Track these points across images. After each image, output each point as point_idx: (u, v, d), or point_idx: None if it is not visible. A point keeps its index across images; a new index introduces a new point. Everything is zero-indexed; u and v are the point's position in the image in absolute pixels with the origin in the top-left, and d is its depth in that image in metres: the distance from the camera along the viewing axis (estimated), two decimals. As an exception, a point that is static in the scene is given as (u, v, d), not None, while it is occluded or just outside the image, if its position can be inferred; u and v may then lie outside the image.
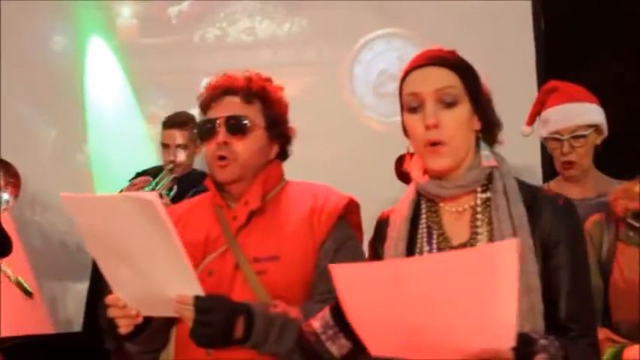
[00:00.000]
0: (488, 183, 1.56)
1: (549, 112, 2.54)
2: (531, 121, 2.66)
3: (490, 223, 1.52)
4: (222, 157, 1.88)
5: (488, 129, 1.60)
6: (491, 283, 1.19)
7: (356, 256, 1.81)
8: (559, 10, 3.70)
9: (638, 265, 1.89)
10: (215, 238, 1.89)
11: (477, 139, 1.59)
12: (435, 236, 1.58)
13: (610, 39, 3.67)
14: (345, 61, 3.96)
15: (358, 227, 1.96)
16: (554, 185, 2.60)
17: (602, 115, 2.53)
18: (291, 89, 4.12)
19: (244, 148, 1.89)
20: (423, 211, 1.61)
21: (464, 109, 1.54)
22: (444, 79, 1.54)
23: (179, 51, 4.24)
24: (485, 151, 1.57)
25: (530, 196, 1.55)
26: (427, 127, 1.51)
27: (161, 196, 3.17)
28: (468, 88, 1.55)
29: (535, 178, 3.29)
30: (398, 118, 1.62)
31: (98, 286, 3.06)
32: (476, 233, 1.54)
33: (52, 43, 4.36)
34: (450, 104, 1.52)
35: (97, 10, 4.33)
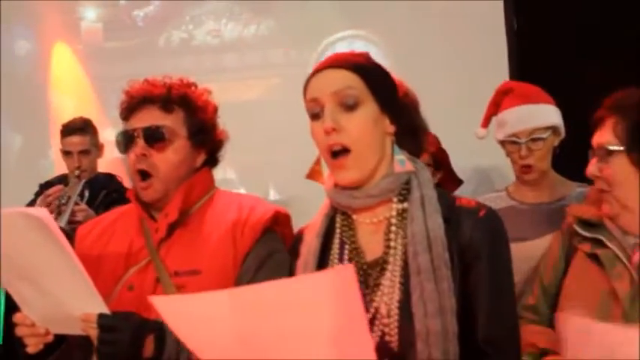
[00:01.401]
0: (407, 193, 1.46)
1: (506, 114, 2.45)
2: (486, 124, 2.57)
3: (406, 236, 1.41)
4: (141, 172, 1.81)
5: (409, 133, 1.49)
6: (333, 313, 1.05)
7: (282, 271, 1.71)
8: (532, 9, 3.63)
9: (586, 273, 1.78)
10: (137, 250, 1.82)
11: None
12: (346, 251, 1.48)
13: (583, 39, 3.60)
14: (311, 62, 3.89)
15: (290, 239, 1.88)
16: (512, 189, 2.52)
17: (560, 115, 2.45)
18: (258, 91, 4.11)
19: (164, 160, 1.82)
20: (338, 224, 1.52)
21: (367, 110, 1.42)
22: (343, 80, 1.42)
23: (144, 54, 4.17)
24: (399, 156, 1.45)
25: (450, 207, 1.44)
26: (326, 132, 1.41)
27: (77, 203, 3.17)
28: (372, 89, 1.43)
29: (508, 179, 3.21)
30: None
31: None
32: (389, 247, 1.43)
33: (16, 47, 4.32)
34: (351, 107, 1.41)
35: (62, 14, 4.28)
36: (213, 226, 1.81)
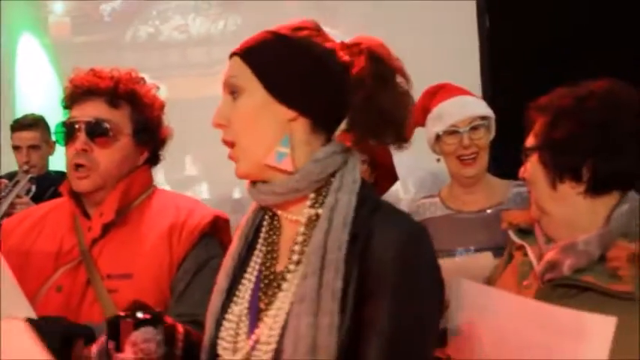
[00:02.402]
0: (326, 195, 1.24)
1: (442, 107, 2.34)
2: (419, 120, 2.39)
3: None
4: (80, 165, 1.74)
5: (318, 119, 1.25)
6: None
7: None
8: (504, 8, 3.61)
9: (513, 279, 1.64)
10: (69, 249, 1.76)
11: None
12: (261, 255, 1.31)
13: (555, 37, 3.60)
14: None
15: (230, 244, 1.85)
16: (445, 195, 2.42)
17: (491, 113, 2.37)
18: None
19: (106, 156, 1.76)
20: (265, 221, 1.34)
21: (250, 99, 1.24)
22: (231, 68, 1.28)
23: (111, 49, 4.15)
24: (281, 149, 1.23)
25: (365, 218, 1.19)
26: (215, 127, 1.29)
27: (20, 196, 3.12)
28: (258, 73, 1.24)
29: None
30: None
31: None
32: (290, 261, 1.24)
33: (-18, 41, 4.28)
34: (234, 97, 1.26)
35: (29, 7, 4.25)
36: (149, 228, 1.75)
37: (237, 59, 1.27)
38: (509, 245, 1.68)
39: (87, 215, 1.79)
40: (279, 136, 1.25)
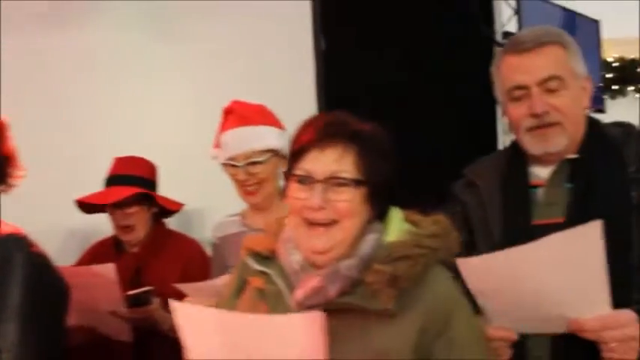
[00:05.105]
0: None
1: (225, 136, 2.30)
2: (218, 144, 2.36)
3: None
4: None
5: None
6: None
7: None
8: (340, 29, 3.49)
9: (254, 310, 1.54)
10: None
11: None
12: None
13: (391, 55, 3.58)
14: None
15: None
16: (245, 212, 2.39)
17: (283, 138, 2.26)
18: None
19: None
20: None
21: None
22: None
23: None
24: None
25: None
26: None
27: None
28: None
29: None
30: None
31: None
32: None
33: None
34: None
35: None
36: None
37: None
38: (240, 271, 1.62)
39: None
40: None
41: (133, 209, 2.61)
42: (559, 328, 1.53)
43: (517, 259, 1.47)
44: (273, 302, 1.49)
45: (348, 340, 1.39)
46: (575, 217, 1.57)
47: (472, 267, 1.51)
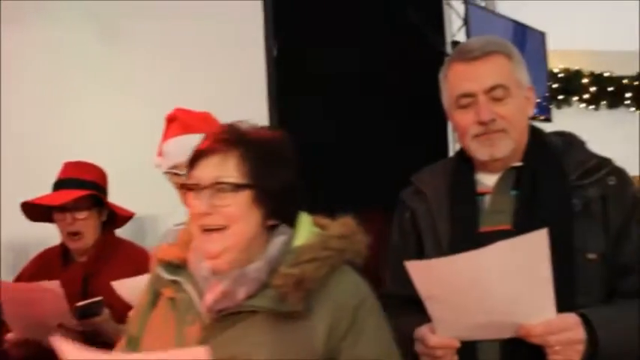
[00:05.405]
0: None
1: (168, 145, 2.30)
2: (161, 152, 2.35)
3: None
4: None
5: None
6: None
7: None
8: (292, 35, 3.52)
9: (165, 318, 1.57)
10: None
11: None
12: None
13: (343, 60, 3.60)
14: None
15: None
16: None
17: None
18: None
19: None
20: None
21: None
22: None
23: None
24: None
25: None
26: None
27: None
28: None
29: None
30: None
31: None
32: None
33: None
34: None
35: None
36: None
37: None
38: (154, 282, 1.63)
39: None
40: None
41: (82, 214, 2.55)
42: (507, 334, 1.55)
43: (464, 265, 1.49)
44: (183, 310, 1.51)
45: (259, 341, 1.42)
46: (521, 225, 1.60)
47: (420, 271, 1.53)
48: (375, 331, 1.49)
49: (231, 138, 1.49)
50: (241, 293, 1.45)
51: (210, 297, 1.47)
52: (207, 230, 1.47)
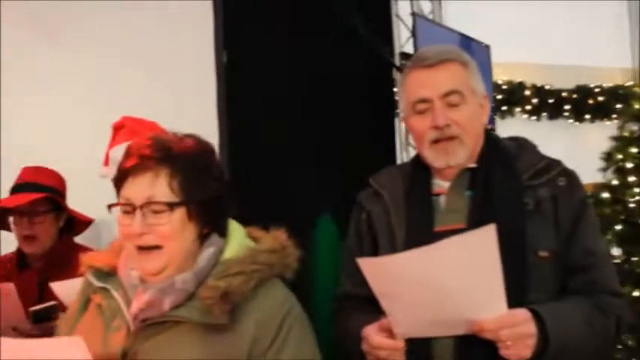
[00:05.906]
0: None
1: (114, 152, 2.25)
2: (108, 161, 2.32)
3: None
4: None
5: None
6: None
7: None
8: (243, 44, 3.41)
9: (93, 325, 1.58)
10: None
11: None
12: None
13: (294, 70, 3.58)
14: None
15: None
16: None
17: None
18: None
19: None
20: None
21: None
22: None
23: None
24: None
25: None
26: None
27: None
28: None
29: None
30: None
31: None
32: None
33: None
34: None
35: None
36: None
37: None
38: (85, 288, 1.65)
39: None
40: None
41: (39, 218, 2.53)
42: (461, 330, 1.59)
43: (416, 261, 1.51)
44: (110, 317, 1.51)
45: (184, 351, 1.44)
46: (475, 223, 1.64)
47: (373, 268, 1.56)
48: (299, 344, 1.50)
49: (157, 155, 1.48)
50: (167, 303, 1.46)
51: (136, 305, 1.48)
52: (144, 249, 1.47)
